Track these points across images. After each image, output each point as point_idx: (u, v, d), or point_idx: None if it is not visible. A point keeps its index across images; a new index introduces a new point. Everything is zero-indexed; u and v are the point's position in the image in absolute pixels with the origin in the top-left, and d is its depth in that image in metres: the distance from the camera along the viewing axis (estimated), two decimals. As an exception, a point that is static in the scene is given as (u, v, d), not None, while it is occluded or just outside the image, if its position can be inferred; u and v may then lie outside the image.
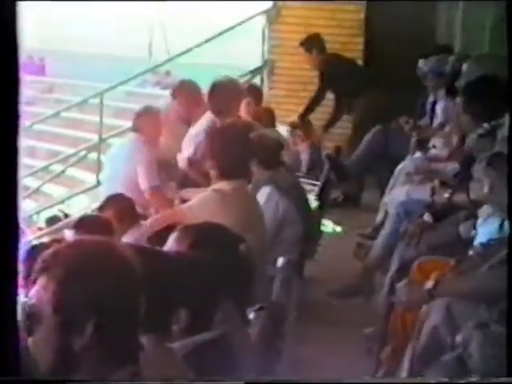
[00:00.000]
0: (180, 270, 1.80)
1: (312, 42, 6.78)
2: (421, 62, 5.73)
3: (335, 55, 6.82)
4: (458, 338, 1.72)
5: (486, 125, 3.28)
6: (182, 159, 4.88)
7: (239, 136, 3.47)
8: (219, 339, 1.91)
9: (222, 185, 3.35)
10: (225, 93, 4.94)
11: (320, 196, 4.83)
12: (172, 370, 1.55)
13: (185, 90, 5.59)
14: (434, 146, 5.08)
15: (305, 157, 6.04)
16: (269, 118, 5.74)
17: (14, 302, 1.26)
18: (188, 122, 5.45)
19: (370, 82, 6.45)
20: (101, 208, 4.10)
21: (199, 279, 1.90)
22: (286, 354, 3.09)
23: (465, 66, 4.10)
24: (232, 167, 3.33)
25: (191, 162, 4.71)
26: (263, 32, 7.65)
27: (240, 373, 1.94)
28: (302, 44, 6.79)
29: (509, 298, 1.07)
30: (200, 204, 3.35)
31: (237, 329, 2.07)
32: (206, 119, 4.99)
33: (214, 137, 3.54)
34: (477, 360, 1.61)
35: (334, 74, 6.63)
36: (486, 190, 1.67)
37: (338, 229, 5.99)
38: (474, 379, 1.12)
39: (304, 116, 6.67)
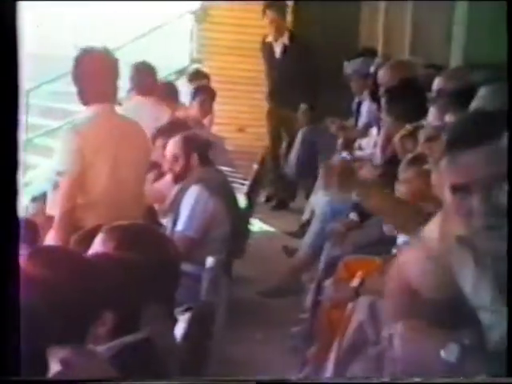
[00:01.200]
0: (105, 271, 1.79)
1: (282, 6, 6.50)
2: (346, 64, 5.82)
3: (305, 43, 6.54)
4: (384, 333, 1.78)
5: (408, 126, 3.36)
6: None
7: (98, 65, 3.38)
8: (145, 340, 1.90)
9: (87, 110, 3.37)
10: (146, 72, 5.38)
11: (249, 195, 4.86)
12: (97, 374, 1.54)
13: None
14: (360, 147, 5.17)
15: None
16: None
17: (15, 302, 1.24)
18: None
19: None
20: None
21: (125, 280, 1.89)
22: (215, 354, 3.10)
23: (381, 71, 4.18)
24: (92, 92, 3.32)
25: None
26: (191, 32, 7.64)
27: (167, 373, 1.94)
28: (269, 6, 6.41)
29: (509, 297, 1.10)
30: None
31: (164, 329, 2.07)
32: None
33: (73, 72, 3.42)
34: (399, 351, 1.67)
35: (297, 57, 6.37)
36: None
37: (267, 228, 6.04)
38: (472, 379, 1.16)
39: None
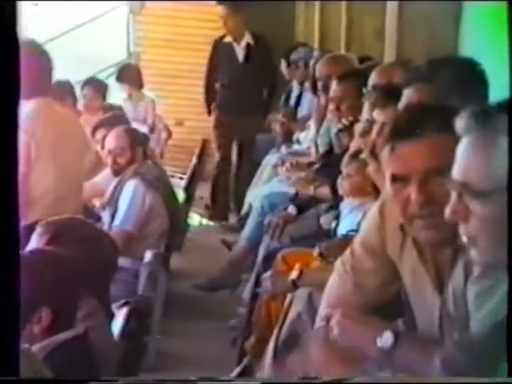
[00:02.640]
0: (40, 267, 1.76)
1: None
2: (283, 60, 5.84)
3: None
4: (322, 320, 1.82)
5: (344, 120, 3.40)
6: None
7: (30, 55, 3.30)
8: (81, 337, 1.88)
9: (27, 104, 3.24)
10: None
11: (187, 189, 4.85)
12: (30, 374, 1.51)
13: None
14: (298, 141, 5.20)
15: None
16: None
17: (15, 302, 1.22)
18: None
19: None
20: None
21: (60, 276, 1.87)
22: (152, 348, 3.10)
23: (318, 65, 4.23)
24: (31, 85, 3.16)
25: None
26: (127, 23, 7.55)
27: (104, 370, 1.92)
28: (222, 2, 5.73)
29: (509, 299, 1.14)
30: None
31: (100, 325, 2.05)
32: None
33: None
34: (336, 338, 1.71)
35: (263, 60, 5.77)
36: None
37: (205, 221, 6.04)
38: (473, 379, 1.18)
39: None
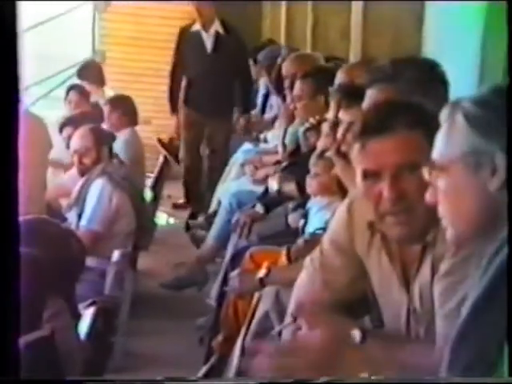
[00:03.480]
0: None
1: None
2: (261, 53, 5.82)
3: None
4: (289, 319, 1.83)
5: (311, 119, 3.42)
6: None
7: None
8: (47, 338, 1.87)
9: None
10: None
11: (154, 188, 4.84)
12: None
13: None
14: (265, 140, 5.21)
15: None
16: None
17: (15, 302, 1.21)
18: None
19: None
20: None
21: (27, 276, 1.85)
22: (119, 348, 3.08)
23: (285, 63, 4.24)
24: None
25: None
26: (93, 21, 7.50)
27: (71, 370, 1.92)
28: None
29: (508, 299, 1.15)
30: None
31: (66, 326, 2.04)
32: None
33: None
34: (304, 337, 1.72)
35: (234, 51, 5.42)
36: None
37: (172, 220, 6.02)
38: (472, 379, 1.19)
39: None
